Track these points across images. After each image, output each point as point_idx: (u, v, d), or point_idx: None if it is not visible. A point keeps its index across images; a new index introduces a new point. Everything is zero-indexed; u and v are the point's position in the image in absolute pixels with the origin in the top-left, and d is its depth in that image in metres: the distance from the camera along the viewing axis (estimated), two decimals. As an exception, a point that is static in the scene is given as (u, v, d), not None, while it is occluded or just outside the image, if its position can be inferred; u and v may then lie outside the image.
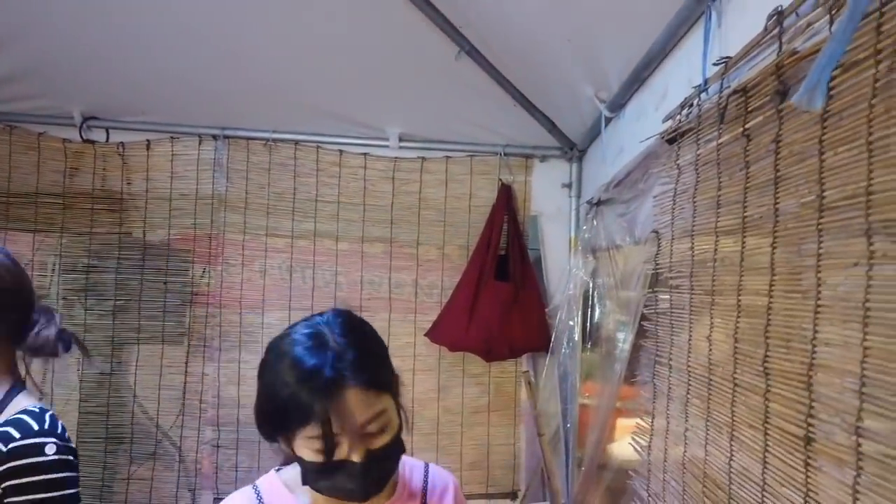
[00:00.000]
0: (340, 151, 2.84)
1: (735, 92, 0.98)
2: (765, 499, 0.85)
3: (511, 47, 2.20)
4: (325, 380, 0.90)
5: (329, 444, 0.91)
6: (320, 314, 1.01)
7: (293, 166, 2.83)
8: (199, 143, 2.81)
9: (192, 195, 2.81)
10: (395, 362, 2.98)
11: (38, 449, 1.22)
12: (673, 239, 1.24)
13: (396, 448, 0.98)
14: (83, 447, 2.72)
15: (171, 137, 2.80)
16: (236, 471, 2.80)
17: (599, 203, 2.34)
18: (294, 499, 1.01)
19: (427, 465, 1.16)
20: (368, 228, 2.85)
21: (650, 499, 1.34)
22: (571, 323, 2.48)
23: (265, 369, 0.97)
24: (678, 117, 1.24)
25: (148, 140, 2.79)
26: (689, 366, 1.13)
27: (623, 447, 2.33)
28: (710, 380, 1.04)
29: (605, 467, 2.22)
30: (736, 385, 0.94)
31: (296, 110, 2.70)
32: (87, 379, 2.76)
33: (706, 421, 1.04)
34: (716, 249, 1.03)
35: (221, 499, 1.06)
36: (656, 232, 1.35)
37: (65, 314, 2.75)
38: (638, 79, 1.67)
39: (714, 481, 1.01)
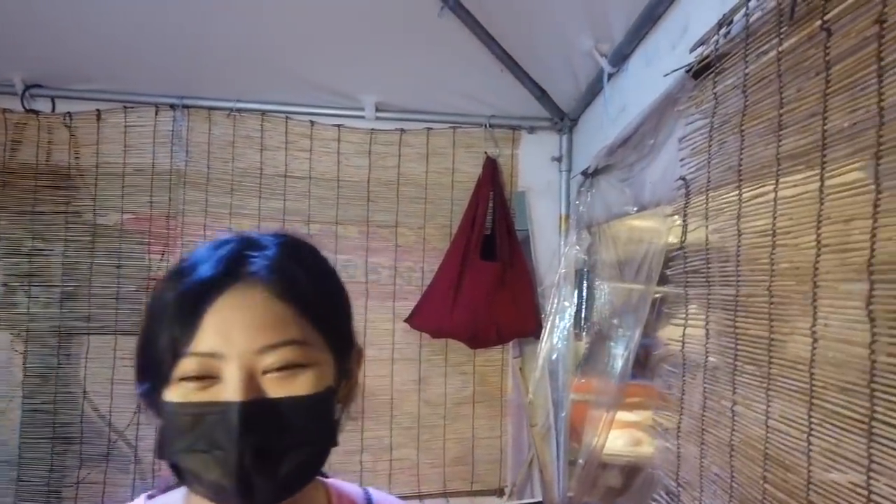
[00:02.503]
0: (311, 122, 2.60)
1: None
2: (871, 481, 0.66)
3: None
4: (219, 262, 0.61)
5: (204, 366, 0.58)
6: None
7: (259, 139, 2.59)
8: (156, 114, 2.55)
9: (147, 171, 2.55)
10: (372, 352, 2.67)
11: None
12: (709, 181, 1.05)
13: (314, 419, 0.61)
14: (27, 448, 2.45)
15: (125, 107, 2.54)
16: (199, 473, 2.55)
17: (596, 173, 2.15)
18: None
19: (368, 492, 0.81)
20: (343, 207, 2.62)
21: (680, 489, 1.15)
22: (567, 304, 2.28)
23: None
24: (715, 38, 1.05)
25: (98, 110, 2.53)
26: (736, 327, 0.95)
27: (623, 445, 2.16)
28: (771, 339, 0.85)
29: (604, 467, 2.06)
30: (815, 340, 0.75)
31: (262, 77, 2.46)
32: (31, 374, 2.49)
33: (766, 392, 0.86)
34: (777, 178, 0.84)
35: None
36: (684, 178, 1.16)
37: (6, 302, 2.49)
38: (650, 18, 1.49)
39: (782, 463, 0.81)
